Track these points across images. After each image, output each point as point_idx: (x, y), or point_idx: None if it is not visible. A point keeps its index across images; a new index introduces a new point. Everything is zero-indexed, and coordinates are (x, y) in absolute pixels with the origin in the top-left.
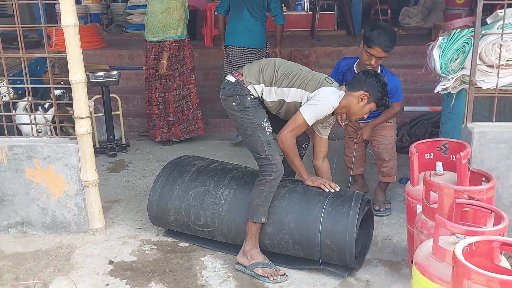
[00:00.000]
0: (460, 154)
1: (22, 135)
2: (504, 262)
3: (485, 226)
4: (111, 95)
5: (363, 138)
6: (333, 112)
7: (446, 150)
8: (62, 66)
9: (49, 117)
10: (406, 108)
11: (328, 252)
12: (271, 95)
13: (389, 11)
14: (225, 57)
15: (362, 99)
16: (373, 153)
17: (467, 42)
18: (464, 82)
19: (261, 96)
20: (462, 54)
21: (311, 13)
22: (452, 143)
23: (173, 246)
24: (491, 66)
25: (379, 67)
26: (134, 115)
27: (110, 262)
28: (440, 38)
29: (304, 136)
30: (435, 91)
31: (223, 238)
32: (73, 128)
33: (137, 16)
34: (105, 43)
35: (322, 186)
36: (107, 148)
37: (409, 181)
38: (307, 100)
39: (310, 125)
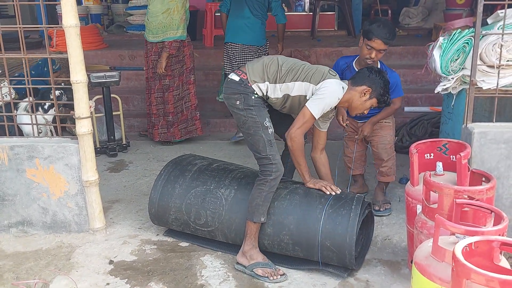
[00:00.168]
0: (460, 154)
1: (23, 135)
2: (504, 262)
3: (485, 226)
4: (112, 95)
5: (364, 134)
6: (335, 106)
7: (446, 150)
8: (66, 67)
9: (49, 118)
10: (406, 109)
11: (328, 254)
12: (276, 91)
13: (389, 12)
14: (225, 54)
15: (365, 94)
16: (372, 153)
17: (467, 43)
18: (465, 82)
19: (266, 94)
20: (462, 54)
21: (311, 13)
22: (452, 143)
23: (173, 245)
24: (491, 67)
25: (379, 63)
26: (135, 115)
27: (111, 262)
28: (441, 38)
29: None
30: (436, 91)
31: (223, 238)
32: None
33: (137, 16)
34: (105, 44)
35: (323, 189)
36: (108, 148)
37: (409, 181)
38: (312, 93)
39: (317, 118)
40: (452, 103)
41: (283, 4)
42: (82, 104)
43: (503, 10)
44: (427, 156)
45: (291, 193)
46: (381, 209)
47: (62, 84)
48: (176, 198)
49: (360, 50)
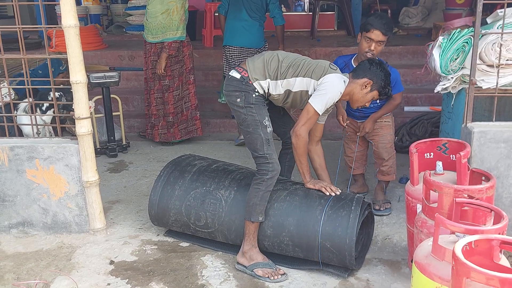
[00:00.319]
0: (460, 154)
1: (23, 136)
2: (503, 261)
3: (484, 225)
4: (112, 95)
5: (366, 131)
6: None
7: (446, 150)
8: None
9: (47, 119)
10: (406, 108)
11: (328, 255)
12: (278, 88)
13: (389, 11)
14: (224, 57)
15: (366, 86)
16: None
17: (467, 42)
18: (464, 81)
19: (268, 92)
20: (462, 53)
21: (311, 13)
22: (452, 143)
23: (173, 246)
24: (491, 66)
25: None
26: (134, 116)
27: (111, 262)
28: (440, 38)
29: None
30: (435, 91)
31: (223, 239)
32: None
33: (137, 17)
34: (105, 44)
35: (323, 189)
36: (108, 148)
37: (409, 181)
38: (314, 88)
39: (321, 114)
40: (452, 103)
41: (282, 6)
42: (82, 105)
43: (502, 10)
44: (427, 156)
45: (290, 194)
46: (381, 209)
47: (61, 85)
48: (176, 200)
49: (359, 46)
